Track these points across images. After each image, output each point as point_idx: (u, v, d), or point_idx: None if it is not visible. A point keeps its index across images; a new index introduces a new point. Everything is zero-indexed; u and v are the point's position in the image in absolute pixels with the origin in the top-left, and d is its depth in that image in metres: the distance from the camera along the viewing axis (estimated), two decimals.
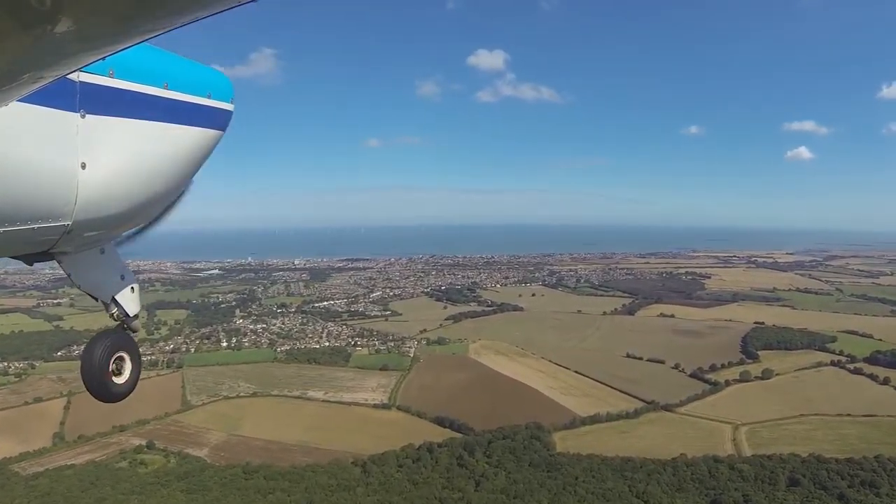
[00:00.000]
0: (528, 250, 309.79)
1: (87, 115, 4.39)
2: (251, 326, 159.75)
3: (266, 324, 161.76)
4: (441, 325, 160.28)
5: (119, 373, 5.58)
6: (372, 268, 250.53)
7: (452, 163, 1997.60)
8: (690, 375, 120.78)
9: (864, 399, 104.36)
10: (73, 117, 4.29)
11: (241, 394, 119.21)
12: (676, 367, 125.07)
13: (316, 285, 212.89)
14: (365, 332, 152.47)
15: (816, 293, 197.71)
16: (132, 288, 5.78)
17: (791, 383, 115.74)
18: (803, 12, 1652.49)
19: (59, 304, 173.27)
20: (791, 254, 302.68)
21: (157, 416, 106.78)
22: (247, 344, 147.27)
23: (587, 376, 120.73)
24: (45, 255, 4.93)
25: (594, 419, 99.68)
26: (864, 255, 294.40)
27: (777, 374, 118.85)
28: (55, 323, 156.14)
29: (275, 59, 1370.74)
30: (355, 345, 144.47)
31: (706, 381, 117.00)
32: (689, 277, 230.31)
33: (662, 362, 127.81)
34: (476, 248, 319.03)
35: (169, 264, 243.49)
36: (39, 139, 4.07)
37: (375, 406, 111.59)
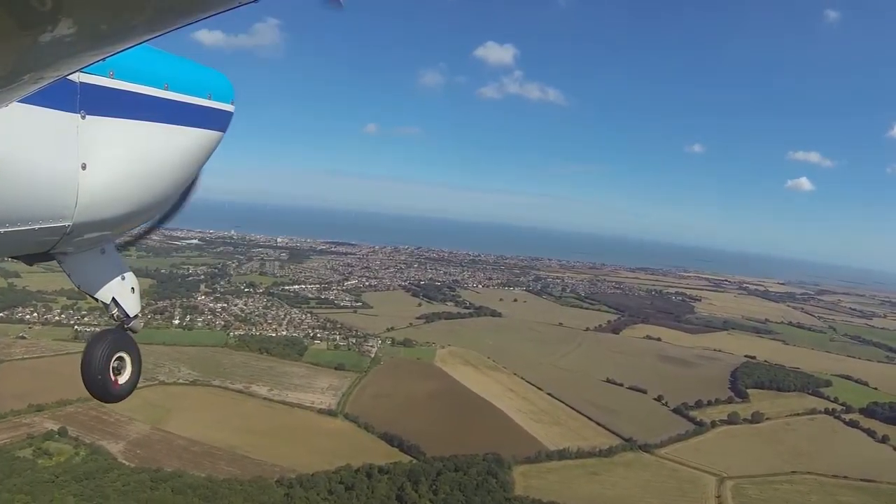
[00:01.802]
0: (516, 251, 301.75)
1: (87, 116, 4.35)
2: (211, 304, 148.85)
3: (227, 303, 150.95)
4: (411, 324, 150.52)
5: (119, 373, 5.46)
6: (354, 254, 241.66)
7: (449, 156, 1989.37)
8: (674, 410, 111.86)
9: (861, 458, 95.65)
10: (73, 118, 4.26)
11: (180, 380, 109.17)
12: (659, 398, 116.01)
13: (292, 266, 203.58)
14: (328, 324, 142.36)
15: (809, 329, 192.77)
16: (132, 288, 5.68)
17: (782, 431, 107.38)
18: (825, 41, 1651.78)
19: None
20: (783, 283, 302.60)
21: (80, 397, 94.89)
22: (200, 324, 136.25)
23: (561, 401, 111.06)
24: (45, 256, 4.91)
25: (562, 454, 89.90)
26: (856, 292, 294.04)
27: (767, 419, 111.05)
28: (10, 280, 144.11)
29: (278, 31, 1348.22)
30: (314, 337, 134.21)
31: (690, 420, 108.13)
32: (679, 298, 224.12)
33: (645, 392, 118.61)
34: (463, 244, 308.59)
35: None
36: (40, 140, 4.05)
37: (321, 411, 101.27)
